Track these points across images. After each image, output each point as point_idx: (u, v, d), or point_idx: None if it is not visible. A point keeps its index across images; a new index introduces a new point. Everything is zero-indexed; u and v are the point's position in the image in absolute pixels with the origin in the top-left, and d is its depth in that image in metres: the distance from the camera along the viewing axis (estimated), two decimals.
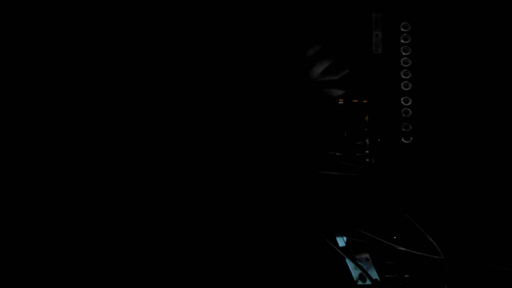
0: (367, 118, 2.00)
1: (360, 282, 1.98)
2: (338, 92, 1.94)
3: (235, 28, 2.06)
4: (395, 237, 1.95)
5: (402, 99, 1.98)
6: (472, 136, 1.98)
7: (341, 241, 1.99)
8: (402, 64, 1.98)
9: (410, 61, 1.97)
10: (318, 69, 2.01)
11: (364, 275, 1.97)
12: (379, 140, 1.98)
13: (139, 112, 2.00)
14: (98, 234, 1.96)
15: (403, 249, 1.93)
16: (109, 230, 1.96)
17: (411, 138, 1.97)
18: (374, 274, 1.97)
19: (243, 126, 2.03)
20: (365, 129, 2.00)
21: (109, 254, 1.96)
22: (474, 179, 1.98)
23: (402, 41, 1.98)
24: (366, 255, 1.97)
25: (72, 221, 1.97)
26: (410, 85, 1.97)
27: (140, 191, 1.98)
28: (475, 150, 1.98)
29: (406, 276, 1.97)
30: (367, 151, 2.00)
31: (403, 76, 1.98)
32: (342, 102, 2.02)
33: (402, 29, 1.98)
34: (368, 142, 2.00)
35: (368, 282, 1.96)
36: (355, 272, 1.98)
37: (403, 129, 1.97)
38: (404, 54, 1.98)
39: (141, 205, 1.99)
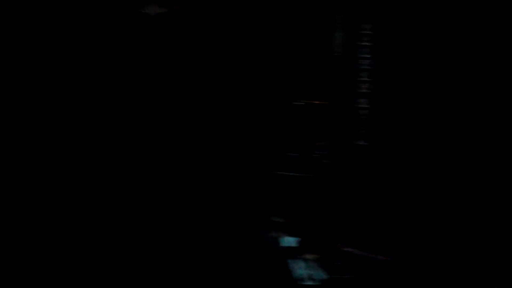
0: (325, 119, 2.01)
1: (308, 282, 1.97)
2: None
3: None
4: (345, 238, 1.94)
5: (360, 101, 1.98)
6: (429, 139, 1.97)
7: (292, 241, 1.99)
8: (362, 67, 1.98)
9: (369, 64, 1.97)
10: None
11: (312, 275, 1.96)
12: (336, 141, 1.98)
13: None
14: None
15: (351, 250, 1.92)
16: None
17: (368, 140, 1.97)
18: (321, 274, 1.96)
19: (191, 124, 2.04)
20: (323, 131, 2.00)
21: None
22: (425, 183, 1.97)
23: (362, 43, 1.98)
24: (315, 256, 1.97)
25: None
26: (369, 87, 1.97)
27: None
28: (430, 153, 1.97)
29: (354, 276, 1.95)
30: (324, 152, 2.00)
31: (362, 78, 1.98)
32: (302, 103, 2.03)
33: (363, 32, 1.98)
34: (325, 143, 2.00)
35: (315, 282, 1.95)
36: (304, 272, 1.97)
37: (361, 131, 1.97)
38: (364, 56, 1.98)
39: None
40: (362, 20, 1.99)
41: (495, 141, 1.94)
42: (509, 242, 1.91)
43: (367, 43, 1.98)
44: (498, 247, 1.92)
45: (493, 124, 1.94)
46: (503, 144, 1.93)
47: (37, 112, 2.02)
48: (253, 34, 2.06)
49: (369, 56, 1.98)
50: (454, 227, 1.94)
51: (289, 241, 1.99)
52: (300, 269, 1.98)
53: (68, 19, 2.03)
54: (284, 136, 2.04)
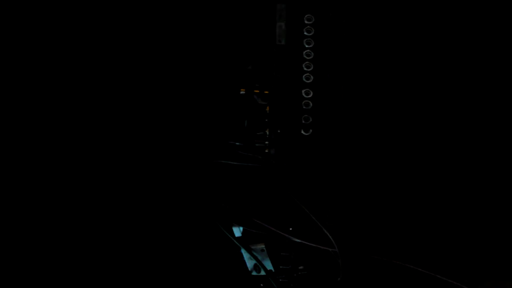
0: (268, 109, 2.00)
1: (254, 273, 1.96)
2: None
3: None
4: (291, 229, 1.95)
5: (303, 91, 1.99)
6: (372, 130, 2.02)
7: (238, 231, 1.97)
8: (305, 57, 2.00)
9: (312, 54, 2.00)
10: None
11: (258, 266, 1.95)
12: (279, 131, 1.99)
13: None
14: None
15: (299, 241, 1.92)
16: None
17: (311, 130, 1.99)
18: (269, 265, 1.95)
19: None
20: (266, 120, 2.00)
21: None
22: (370, 174, 2.01)
23: (305, 33, 2.00)
24: (262, 246, 1.96)
25: None
26: (312, 77, 1.99)
27: None
28: (373, 144, 2.02)
29: (301, 267, 1.96)
30: (267, 142, 2.00)
31: (305, 69, 2.00)
32: (244, 92, 2.01)
33: (306, 22, 2.00)
34: (268, 133, 2.00)
35: (262, 272, 1.94)
36: (250, 263, 1.96)
37: (303, 121, 1.99)
38: (307, 46, 2.00)
39: None
40: (305, 10, 2.00)
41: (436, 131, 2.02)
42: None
43: (309, 33, 2.00)
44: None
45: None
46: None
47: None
48: (193, 22, 2.04)
49: (312, 46, 1.99)
50: (404, 220, 2.00)
51: (235, 230, 1.97)
52: (246, 258, 1.96)
53: None
54: (227, 125, 2.01)
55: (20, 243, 1.90)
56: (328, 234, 1.90)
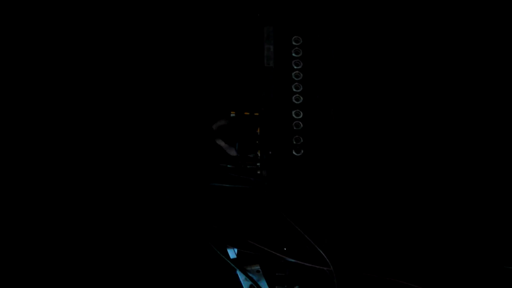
0: (258, 130, 2.02)
1: None
2: None
3: None
4: (285, 249, 1.95)
5: (293, 112, 2.01)
6: (364, 148, 2.04)
7: (232, 253, 1.97)
8: (294, 78, 2.02)
9: (301, 75, 2.02)
10: None
11: (254, 287, 1.94)
12: (270, 152, 2.00)
13: None
14: None
15: (293, 260, 1.93)
16: None
17: (302, 151, 2.00)
18: (264, 286, 1.95)
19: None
20: (257, 142, 2.01)
21: None
22: (363, 192, 2.02)
23: (293, 54, 2.03)
24: (257, 267, 1.96)
25: None
26: (301, 98, 2.01)
27: None
28: (365, 161, 2.03)
29: (296, 287, 1.96)
30: (258, 164, 2.01)
31: (294, 90, 2.02)
32: (234, 115, 2.03)
33: (294, 43, 2.03)
34: (259, 155, 2.01)
35: None
36: (245, 284, 1.95)
37: (294, 142, 2.00)
38: (295, 67, 2.02)
39: None
40: (292, 32, 2.03)
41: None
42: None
43: (298, 55, 2.02)
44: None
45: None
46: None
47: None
48: (181, 47, 2.05)
49: (300, 67, 2.02)
50: (398, 236, 2.01)
51: (230, 252, 1.97)
52: (242, 280, 1.96)
53: None
54: (218, 147, 2.02)
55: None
56: (322, 253, 1.90)
